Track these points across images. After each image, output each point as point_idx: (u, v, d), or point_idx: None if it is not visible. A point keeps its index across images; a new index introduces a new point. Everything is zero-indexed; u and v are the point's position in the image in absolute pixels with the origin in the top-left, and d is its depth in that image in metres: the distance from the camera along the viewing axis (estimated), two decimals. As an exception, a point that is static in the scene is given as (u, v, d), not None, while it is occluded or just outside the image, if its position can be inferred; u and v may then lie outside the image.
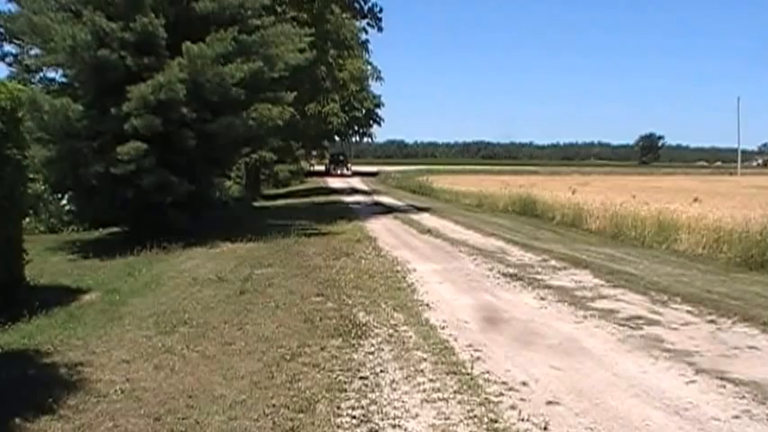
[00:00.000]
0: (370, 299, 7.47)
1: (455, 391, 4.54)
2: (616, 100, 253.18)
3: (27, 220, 12.53)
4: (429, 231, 14.65)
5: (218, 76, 12.24)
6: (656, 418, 4.11)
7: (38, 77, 13.96)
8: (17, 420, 4.02)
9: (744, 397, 4.45)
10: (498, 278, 9.01)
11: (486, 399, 4.40)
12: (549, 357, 5.34)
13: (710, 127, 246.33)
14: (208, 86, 12.24)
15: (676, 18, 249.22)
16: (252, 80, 12.78)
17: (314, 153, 56.53)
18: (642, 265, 10.06)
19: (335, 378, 4.81)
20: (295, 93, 14.77)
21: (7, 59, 14.30)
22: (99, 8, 11.86)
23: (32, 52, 13.43)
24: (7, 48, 14.15)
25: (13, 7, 13.17)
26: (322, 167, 63.39)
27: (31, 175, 11.32)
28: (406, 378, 4.84)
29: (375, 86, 42.74)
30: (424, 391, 4.56)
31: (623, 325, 6.39)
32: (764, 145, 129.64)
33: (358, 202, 26.73)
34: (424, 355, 5.35)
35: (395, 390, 4.60)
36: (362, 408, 4.26)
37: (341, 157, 59.98)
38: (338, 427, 3.97)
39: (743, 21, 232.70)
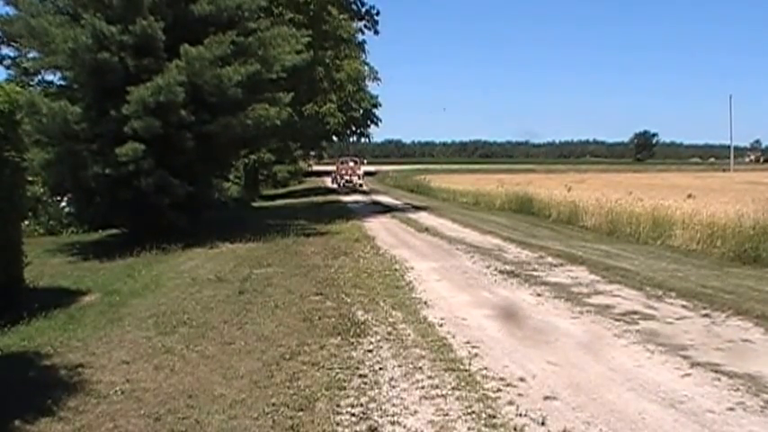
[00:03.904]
0: (369, 297, 7.51)
1: (453, 388, 4.57)
2: (611, 98, 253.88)
3: (26, 222, 12.55)
4: (427, 230, 14.70)
5: (216, 78, 12.27)
6: (652, 411, 4.15)
7: (36, 80, 14.00)
8: (17, 422, 4.04)
9: (738, 389, 4.50)
10: (495, 275, 9.06)
11: (484, 395, 4.44)
12: (545, 353, 5.38)
13: (704, 124, 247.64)
14: (206, 88, 12.28)
15: (670, 16, 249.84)
16: (249, 82, 12.82)
17: (312, 153, 56.13)
18: (637, 261, 10.13)
19: (335, 376, 4.84)
20: (292, 94, 14.80)
21: (5, 62, 14.35)
22: (98, 11, 11.89)
23: (30, 55, 13.46)
24: (5, 51, 14.20)
25: (10, 10, 13.21)
26: (322, 167, 61.34)
27: (30, 178, 11.38)
28: (405, 375, 4.87)
29: (372, 87, 42.82)
30: (423, 387, 4.60)
31: (619, 320, 6.45)
32: (757, 141, 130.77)
33: (356, 202, 26.78)
34: (423, 353, 5.39)
35: (394, 387, 4.63)
36: (362, 405, 4.29)
37: (350, 162, 41.91)
38: (338, 424, 4.00)
39: (735, 18, 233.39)
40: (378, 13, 20.63)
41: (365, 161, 46.87)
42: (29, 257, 8.46)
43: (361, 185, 38.29)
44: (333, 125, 37.49)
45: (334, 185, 38.96)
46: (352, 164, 41.13)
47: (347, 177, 39.01)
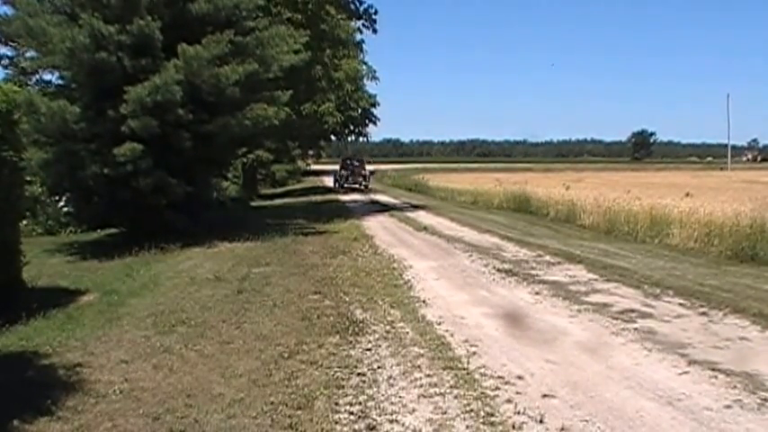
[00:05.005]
0: (367, 296, 7.51)
1: (452, 386, 4.58)
2: (609, 97, 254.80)
3: (24, 222, 12.50)
4: (425, 229, 14.70)
5: (214, 78, 12.27)
6: (650, 408, 4.17)
7: (34, 80, 13.99)
8: (16, 422, 4.02)
9: (735, 387, 4.52)
10: (493, 274, 9.07)
11: (482, 393, 4.45)
12: (544, 351, 5.40)
13: (701, 123, 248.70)
14: (204, 88, 12.28)
15: (667, 15, 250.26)
16: (248, 81, 12.82)
17: (310, 153, 56.06)
18: (635, 260, 10.16)
19: (333, 375, 4.85)
20: (291, 93, 14.80)
21: (3, 62, 14.32)
22: (95, 11, 11.88)
23: (28, 54, 13.45)
24: (3, 50, 14.17)
25: (8, 10, 13.20)
26: (320, 167, 60.96)
27: (29, 178, 11.36)
28: (404, 374, 4.88)
29: (370, 86, 42.72)
30: (421, 386, 4.61)
31: (617, 318, 6.46)
32: (754, 140, 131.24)
33: (355, 201, 26.77)
34: (421, 351, 5.40)
35: (392, 385, 4.64)
36: (360, 404, 4.30)
37: (355, 162, 38.46)
38: (336, 423, 4.01)
39: (733, 19, 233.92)
40: (376, 12, 20.60)
41: (370, 161, 44.23)
42: (27, 257, 8.45)
43: (366, 186, 35.52)
44: (331, 124, 37.40)
45: (336, 186, 36.33)
46: (356, 163, 38.22)
47: (352, 178, 36.43)
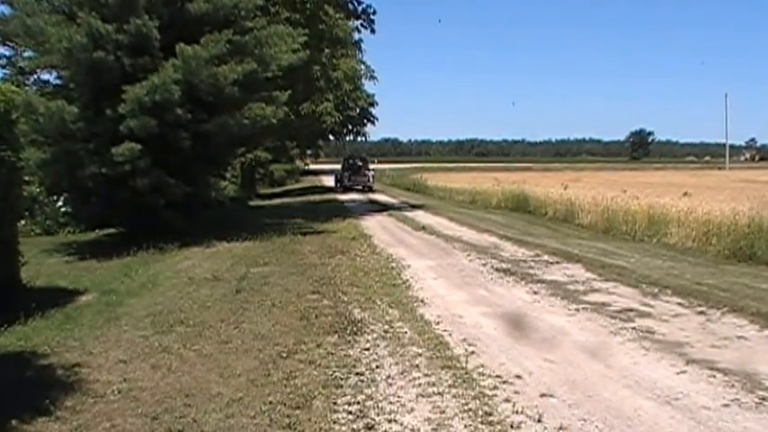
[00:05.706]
0: (366, 296, 7.52)
1: (450, 386, 4.59)
2: (607, 97, 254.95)
3: (23, 222, 12.49)
4: (423, 228, 14.71)
5: (212, 77, 12.26)
6: (648, 407, 4.17)
7: (32, 79, 13.97)
8: (14, 422, 4.02)
9: (733, 386, 4.53)
10: (492, 273, 9.08)
11: (480, 392, 4.45)
12: (542, 350, 5.41)
13: (699, 123, 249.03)
14: (202, 87, 12.26)
15: (666, 15, 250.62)
16: (246, 80, 12.80)
17: (308, 152, 56.10)
18: (633, 259, 10.17)
19: (332, 374, 4.85)
20: (289, 92, 14.80)
21: (1, 62, 14.30)
22: (93, 10, 11.86)
23: (26, 54, 13.45)
24: (0, 50, 14.15)
25: (6, 9, 13.18)
26: (318, 166, 60.94)
27: (27, 178, 11.33)
28: (402, 373, 4.88)
29: (369, 86, 42.70)
30: (420, 385, 4.61)
31: (615, 317, 6.47)
32: (752, 140, 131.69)
33: (353, 200, 26.78)
34: (420, 351, 5.40)
35: (390, 385, 4.64)
36: (359, 403, 4.30)
37: (358, 161, 36.40)
38: (335, 422, 4.01)
39: (730, 19, 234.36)
40: (374, 12, 20.62)
41: (375, 160, 42.08)
42: (25, 257, 8.43)
43: (370, 187, 33.47)
44: (329, 124, 37.37)
45: (338, 186, 34.42)
46: (360, 162, 36.00)
47: (354, 177, 34.40)
